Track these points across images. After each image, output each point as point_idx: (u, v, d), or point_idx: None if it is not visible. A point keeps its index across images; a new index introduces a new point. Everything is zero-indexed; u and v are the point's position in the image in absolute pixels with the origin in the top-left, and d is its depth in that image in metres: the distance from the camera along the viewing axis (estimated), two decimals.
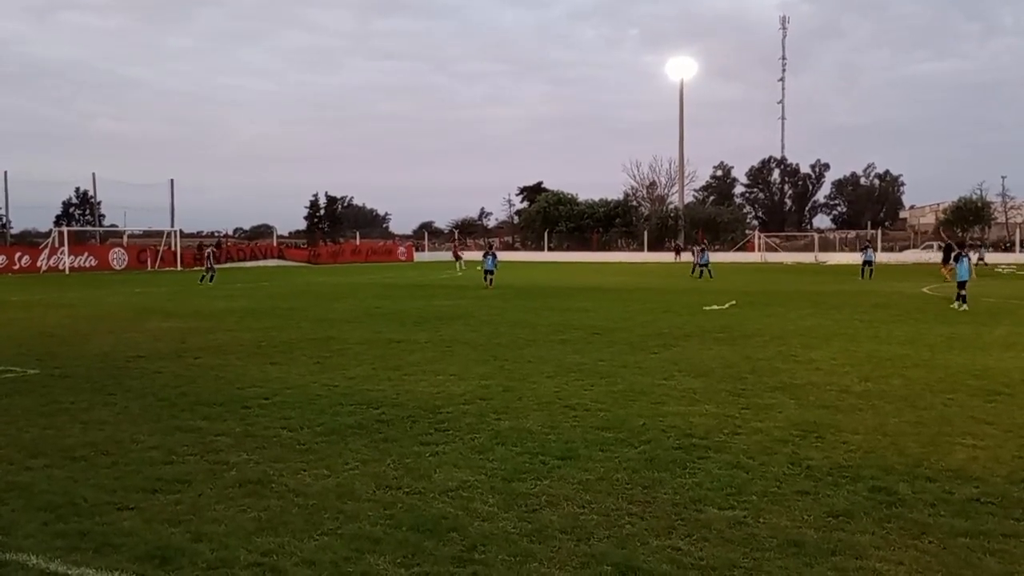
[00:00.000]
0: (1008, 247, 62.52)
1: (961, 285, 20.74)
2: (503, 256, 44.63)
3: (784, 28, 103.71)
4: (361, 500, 5.63)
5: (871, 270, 35.73)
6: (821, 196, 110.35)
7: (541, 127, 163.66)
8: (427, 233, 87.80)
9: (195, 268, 46.91)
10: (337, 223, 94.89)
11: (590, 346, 13.43)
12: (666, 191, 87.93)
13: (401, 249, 71.57)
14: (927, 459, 6.59)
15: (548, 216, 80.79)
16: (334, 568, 4.53)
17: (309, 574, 4.47)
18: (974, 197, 70.97)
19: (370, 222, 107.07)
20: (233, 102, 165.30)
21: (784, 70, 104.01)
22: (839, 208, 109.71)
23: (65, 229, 51.89)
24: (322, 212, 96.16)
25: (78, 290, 30.18)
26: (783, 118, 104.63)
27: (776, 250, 69.62)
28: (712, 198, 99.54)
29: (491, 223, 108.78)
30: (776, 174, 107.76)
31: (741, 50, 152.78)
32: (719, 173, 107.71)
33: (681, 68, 79.24)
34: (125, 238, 58.64)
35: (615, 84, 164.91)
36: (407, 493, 5.79)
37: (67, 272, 45.56)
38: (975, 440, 7.19)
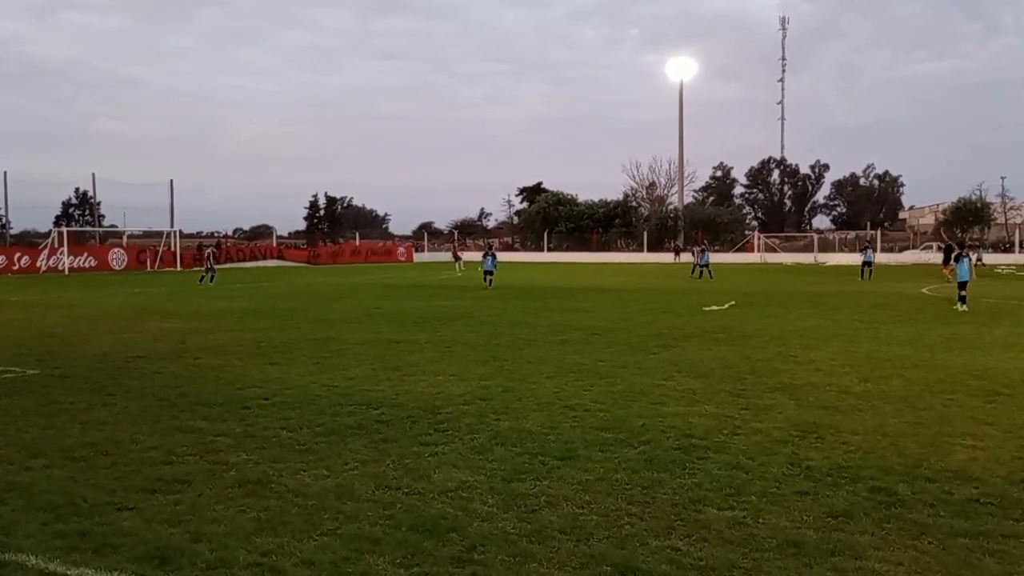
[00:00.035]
0: (1007, 248, 62.57)
1: (962, 286, 20.75)
2: (503, 257, 44.65)
3: (784, 29, 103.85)
4: (360, 500, 5.63)
5: (871, 271, 35.76)
6: (821, 197, 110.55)
7: (541, 127, 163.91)
8: (427, 234, 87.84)
9: (195, 268, 46.92)
10: (336, 223, 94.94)
11: (590, 347, 13.43)
12: (666, 191, 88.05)
13: (401, 249, 71.61)
14: (927, 460, 6.59)
15: (548, 216, 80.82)
16: (333, 568, 4.53)
17: (308, 574, 4.47)
18: (973, 198, 71.09)
19: (370, 222, 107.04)
20: (233, 102, 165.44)
21: (784, 71, 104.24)
22: (839, 209, 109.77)
23: (64, 229, 51.93)
24: (321, 212, 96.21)
25: (78, 290, 30.18)
26: (782, 118, 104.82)
27: (775, 251, 69.67)
28: (712, 199, 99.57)
29: (491, 223, 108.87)
30: (776, 175, 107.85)
31: (741, 50, 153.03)
32: (719, 174, 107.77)
33: (681, 68, 79.28)
34: (125, 238, 58.66)
35: (615, 84, 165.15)
36: (406, 493, 5.79)
37: (66, 272, 45.55)
38: (975, 441, 7.20)
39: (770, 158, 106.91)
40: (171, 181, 59.52)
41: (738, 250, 70.29)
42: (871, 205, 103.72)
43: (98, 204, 70.38)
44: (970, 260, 21.81)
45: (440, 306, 22.07)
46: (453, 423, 7.90)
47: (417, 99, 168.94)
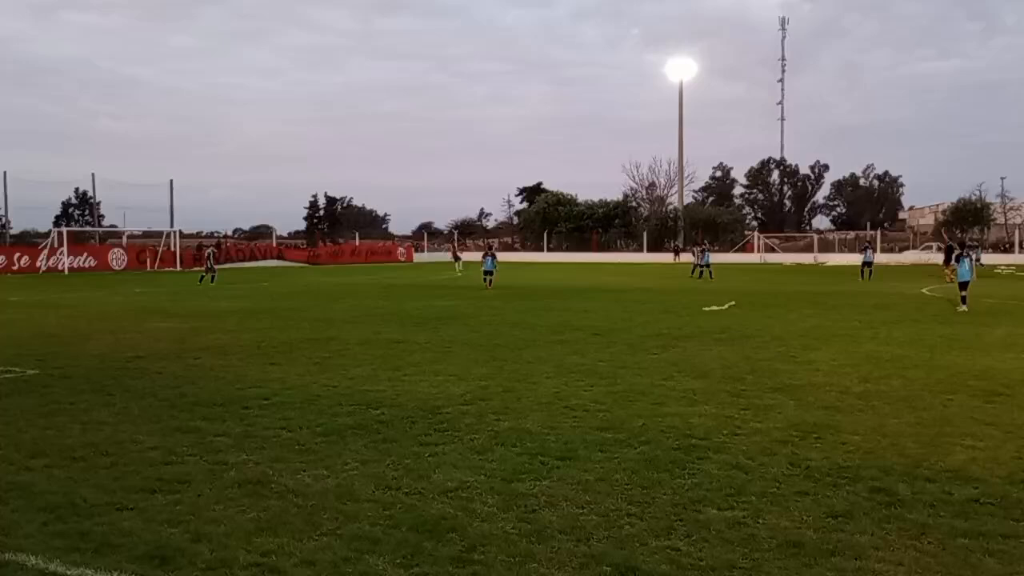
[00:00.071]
0: (1007, 248, 62.57)
1: (963, 286, 20.76)
2: (503, 257, 44.65)
3: (784, 29, 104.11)
4: (360, 500, 5.63)
5: (871, 271, 35.76)
6: (820, 197, 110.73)
7: (542, 127, 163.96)
8: (426, 234, 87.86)
9: (194, 268, 46.95)
10: (336, 223, 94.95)
11: (589, 347, 13.43)
12: (665, 192, 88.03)
13: (401, 250, 71.65)
14: (927, 460, 6.59)
15: (548, 217, 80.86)
16: (333, 568, 4.53)
17: (308, 574, 4.47)
18: (973, 198, 71.10)
19: (370, 223, 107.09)
20: (235, 101, 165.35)
21: (783, 71, 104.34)
22: (838, 209, 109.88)
23: (64, 229, 51.95)
24: (321, 212, 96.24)
25: (77, 290, 30.18)
26: (782, 119, 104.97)
27: (775, 251, 69.68)
28: (711, 199, 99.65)
29: (491, 224, 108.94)
30: (775, 175, 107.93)
31: (743, 50, 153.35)
32: (718, 174, 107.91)
33: (681, 69, 79.31)
34: (124, 238, 58.68)
35: (616, 84, 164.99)
36: (406, 494, 5.78)
37: (66, 272, 45.56)
38: (975, 441, 7.20)
39: (770, 158, 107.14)
40: (171, 181, 59.56)
41: (738, 250, 70.30)
42: (871, 205, 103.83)
43: (98, 204, 70.51)
44: (971, 260, 21.82)
45: (440, 306, 22.08)
46: (453, 423, 7.90)
47: (418, 99, 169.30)
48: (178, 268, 51.05)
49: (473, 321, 17.73)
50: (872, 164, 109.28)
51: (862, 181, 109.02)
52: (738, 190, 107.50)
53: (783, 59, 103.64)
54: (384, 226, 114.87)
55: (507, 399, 9.07)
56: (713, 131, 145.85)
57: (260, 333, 15.50)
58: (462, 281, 35.61)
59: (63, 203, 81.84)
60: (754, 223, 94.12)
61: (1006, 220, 74.05)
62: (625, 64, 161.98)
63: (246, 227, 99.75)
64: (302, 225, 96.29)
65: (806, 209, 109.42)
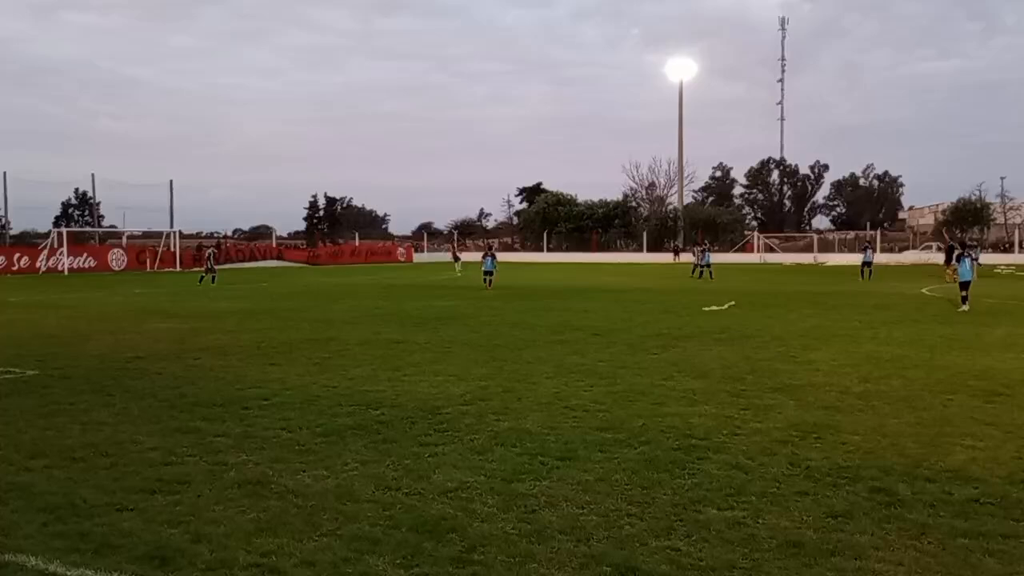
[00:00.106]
0: (1007, 248, 62.58)
1: (963, 286, 20.76)
2: (502, 257, 44.67)
3: (783, 29, 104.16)
4: (360, 501, 5.63)
5: (870, 271, 35.77)
6: (820, 197, 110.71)
7: (542, 127, 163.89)
8: (426, 234, 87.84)
9: (194, 269, 46.95)
10: (336, 224, 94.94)
11: (589, 347, 13.43)
12: (665, 192, 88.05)
13: (400, 250, 71.66)
14: (927, 460, 6.59)
15: (547, 217, 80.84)
16: (333, 569, 4.53)
17: (308, 575, 4.47)
18: (973, 198, 71.10)
19: (369, 223, 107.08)
20: (235, 101, 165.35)
21: (783, 71, 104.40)
22: (838, 209, 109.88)
23: (64, 230, 51.94)
24: (321, 213, 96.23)
25: (77, 291, 30.18)
26: (782, 119, 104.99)
27: (775, 251, 69.68)
28: (711, 199, 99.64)
29: (490, 224, 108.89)
30: (775, 175, 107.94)
31: (743, 50, 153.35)
32: (718, 174, 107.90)
33: (681, 69, 79.36)
34: (124, 239, 58.67)
35: (616, 84, 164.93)
36: (406, 494, 5.78)
37: (66, 273, 45.53)
38: (975, 441, 7.20)
39: (770, 158, 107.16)
40: (171, 181, 59.49)
41: (738, 250, 70.29)
42: (871, 205, 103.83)
43: (98, 204, 70.40)
44: (972, 260, 21.82)
45: (440, 306, 22.08)
46: (453, 423, 7.90)
47: (418, 99, 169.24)
48: (178, 268, 51.05)
49: (473, 321, 17.73)
50: (872, 164, 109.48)
51: (862, 181, 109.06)
52: (738, 190, 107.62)
53: (783, 59, 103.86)
54: (384, 226, 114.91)
55: (507, 399, 9.07)
56: (713, 131, 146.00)
57: (260, 334, 15.50)
58: (462, 281, 35.61)
59: (63, 203, 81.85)
60: (754, 223, 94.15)
61: (1006, 220, 74.08)
62: (625, 64, 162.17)
63: (246, 227, 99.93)
64: (302, 225, 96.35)
65: (806, 209, 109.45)
